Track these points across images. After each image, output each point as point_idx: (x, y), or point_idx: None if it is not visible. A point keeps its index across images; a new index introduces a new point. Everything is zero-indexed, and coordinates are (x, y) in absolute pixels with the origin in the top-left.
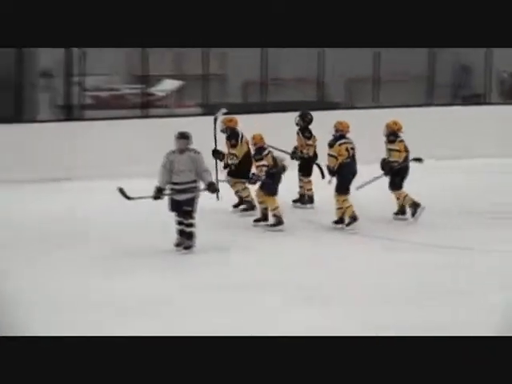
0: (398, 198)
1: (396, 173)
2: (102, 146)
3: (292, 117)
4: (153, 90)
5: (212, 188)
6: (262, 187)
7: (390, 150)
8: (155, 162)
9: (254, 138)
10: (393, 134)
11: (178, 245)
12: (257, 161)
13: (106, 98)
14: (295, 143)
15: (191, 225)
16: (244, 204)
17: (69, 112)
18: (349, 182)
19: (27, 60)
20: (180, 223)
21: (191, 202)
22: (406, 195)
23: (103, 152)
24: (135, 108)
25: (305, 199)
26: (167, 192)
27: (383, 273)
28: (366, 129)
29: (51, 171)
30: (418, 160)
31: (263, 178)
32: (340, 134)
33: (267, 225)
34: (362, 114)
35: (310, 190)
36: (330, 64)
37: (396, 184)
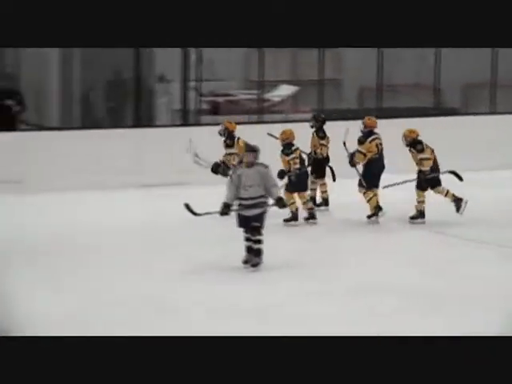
0: (419, 202)
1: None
2: (217, 152)
3: (408, 123)
4: (268, 95)
5: (281, 203)
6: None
7: (421, 160)
8: (271, 167)
9: (283, 133)
10: (417, 143)
11: (245, 262)
12: (287, 155)
13: (222, 104)
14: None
15: (259, 241)
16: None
17: (185, 117)
18: (377, 177)
19: (145, 65)
20: (248, 239)
21: (260, 218)
22: (423, 200)
23: (219, 157)
24: (251, 114)
25: (318, 202)
26: (235, 208)
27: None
28: (483, 135)
29: (166, 176)
30: (457, 176)
31: (298, 171)
32: (369, 130)
33: (284, 219)
34: (478, 121)
35: (325, 192)
36: (446, 69)
37: (423, 186)
